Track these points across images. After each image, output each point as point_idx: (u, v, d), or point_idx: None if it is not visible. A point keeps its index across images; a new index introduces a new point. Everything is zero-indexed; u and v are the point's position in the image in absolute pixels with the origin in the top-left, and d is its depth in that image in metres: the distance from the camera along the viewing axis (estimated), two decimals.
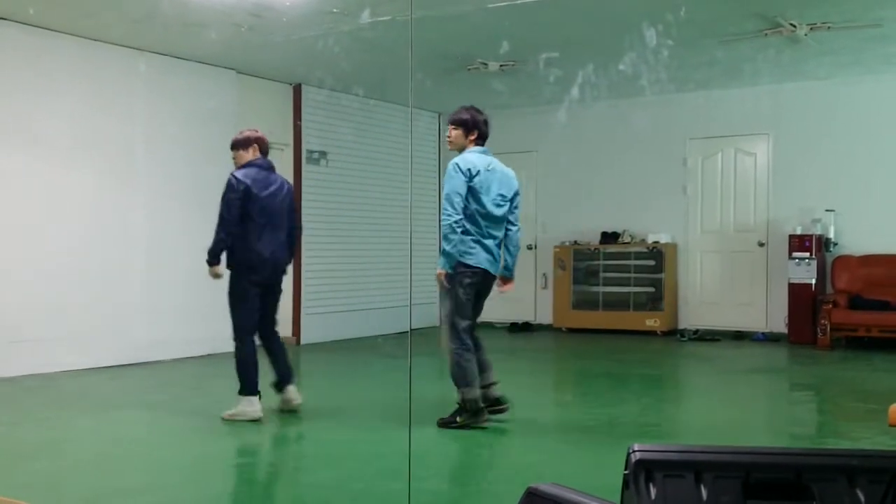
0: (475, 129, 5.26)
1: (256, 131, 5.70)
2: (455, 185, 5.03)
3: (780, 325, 9.60)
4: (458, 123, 5.27)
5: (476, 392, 5.09)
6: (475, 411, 5.09)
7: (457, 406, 5.12)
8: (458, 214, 5.01)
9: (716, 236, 10.18)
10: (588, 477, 4.11)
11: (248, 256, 5.43)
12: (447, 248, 5.03)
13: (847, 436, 4.98)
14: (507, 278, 5.37)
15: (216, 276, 5.50)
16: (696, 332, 9.90)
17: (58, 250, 7.44)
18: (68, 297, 7.47)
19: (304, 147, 9.63)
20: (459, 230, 5.01)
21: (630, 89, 9.67)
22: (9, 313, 7.08)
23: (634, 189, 10.52)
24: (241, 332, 5.48)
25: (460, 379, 5.10)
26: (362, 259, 10.21)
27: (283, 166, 9.64)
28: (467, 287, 5.09)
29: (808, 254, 9.11)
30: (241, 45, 7.83)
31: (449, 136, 5.32)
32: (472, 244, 5.07)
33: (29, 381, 6.85)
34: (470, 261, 5.07)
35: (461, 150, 5.28)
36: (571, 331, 10.46)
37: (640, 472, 2.22)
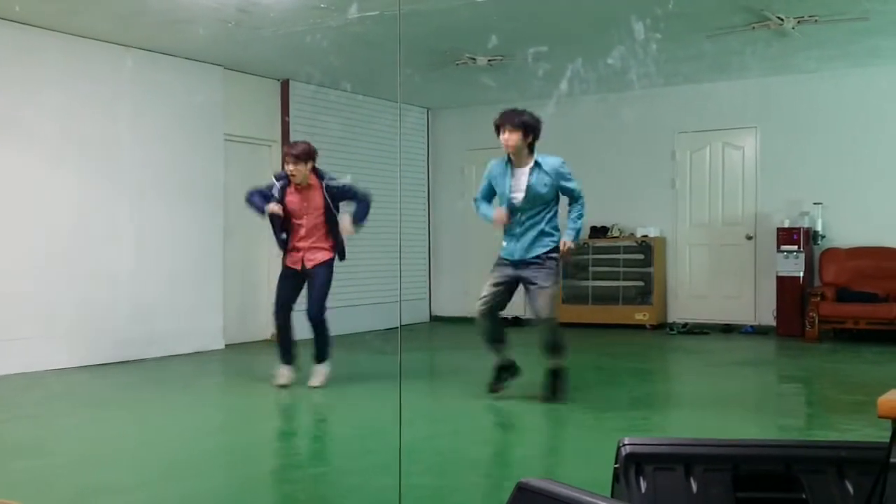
0: (535, 132, 5.48)
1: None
2: None
3: (768, 317, 9.63)
4: (518, 126, 5.43)
5: None
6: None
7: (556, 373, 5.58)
8: None
9: (704, 230, 10.21)
10: (579, 471, 4.12)
11: None
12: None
13: (836, 427, 5.00)
14: None
15: None
16: (686, 325, 9.93)
17: (44, 247, 7.39)
18: (55, 295, 7.43)
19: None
20: None
21: (618, 83, 9.68)
22: None
23: (623, 183, 10.53)
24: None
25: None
26: (351, 255, 10.16)
27: (272, 162, 9.63)
28: None
29: (796, 247, 9.15)
30: (228, 40, 7.79)
31: (507, 140, 5.41)
32: None
33: (16, 379, 6.82)
34: None
35: (516, 153, 5.48)
36: (561, 325, 10.42)
37: (631, 465, 2.23)
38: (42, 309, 7.35)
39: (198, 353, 8.31)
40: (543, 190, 5.49)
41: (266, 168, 9.60)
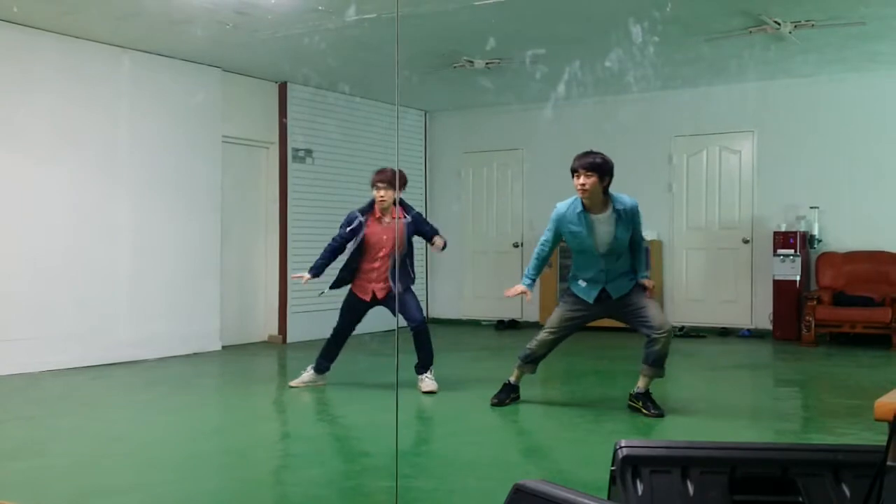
0: (609, 174, 5.32)
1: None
2: None
3: (764, 321, 9.64)
4: (593, 169, 5.22)
5: None
6: None
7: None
8: None
9: (701, 233, 10.22)
10: (576, 473, 4.12)
11: None
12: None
13: (832, 431, 5.01)
14: None
15: None
16: (682, 328, 9.93)
17: (42, 249, 7.39)
18: (52, 295, 7.42)
19: (290, 145, 9.60)
20: None
21: (616, 86, 9.69)
22: None
23: (620, 186, 10.36)
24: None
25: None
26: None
27: (269, 165, 9.63)
28: None
29: (792, 251, 9.16)
30: (225, 42, 7.79)
31: (584, 185, 5.21)
32: None
33: (13, 380, 6.81)
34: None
35: (591, 197, 5.28)
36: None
37: (627, 467, 2.23)
38: (39, 310, 7.34)
39: (195, 354, 8.30)
40: (626, 236, 5.43)
41: (263, 170, 9.61)
